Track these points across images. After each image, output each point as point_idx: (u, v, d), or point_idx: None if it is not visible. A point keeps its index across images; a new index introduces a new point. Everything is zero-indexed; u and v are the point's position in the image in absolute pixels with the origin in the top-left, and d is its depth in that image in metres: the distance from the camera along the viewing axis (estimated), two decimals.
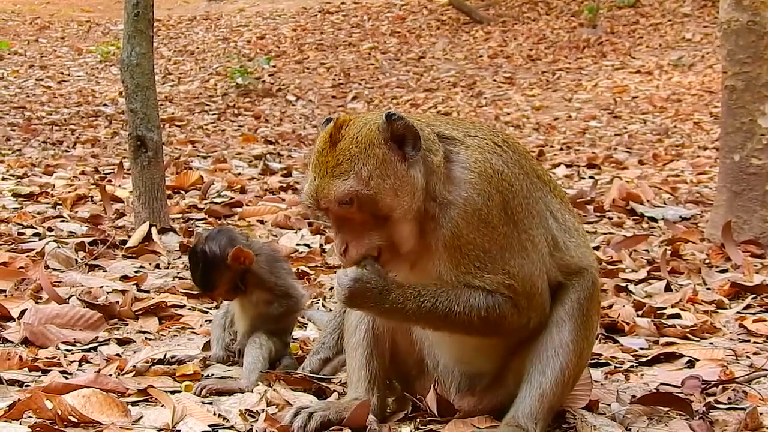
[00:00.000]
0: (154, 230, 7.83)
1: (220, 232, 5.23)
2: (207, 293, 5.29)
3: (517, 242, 4.07)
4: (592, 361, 5.31)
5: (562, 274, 4.28)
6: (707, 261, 8.02)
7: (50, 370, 5.00)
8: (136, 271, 7.14)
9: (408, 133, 3.97)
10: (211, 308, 6.32)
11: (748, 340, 5.93)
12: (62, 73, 25.24)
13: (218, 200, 10.07)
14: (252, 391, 4.72)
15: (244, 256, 5.06)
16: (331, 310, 6.27)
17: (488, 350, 4.31)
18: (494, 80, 23.96)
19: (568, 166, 14.00)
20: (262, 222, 9.13)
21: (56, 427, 4.16)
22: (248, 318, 5.17)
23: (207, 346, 5.40)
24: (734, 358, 5.54)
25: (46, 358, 5.22)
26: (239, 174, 12.57)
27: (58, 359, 5.20)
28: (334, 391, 4.78)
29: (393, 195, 3.93)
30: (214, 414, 4.43)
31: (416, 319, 4.08)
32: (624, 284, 7.15)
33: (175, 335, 5.85)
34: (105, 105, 21.36)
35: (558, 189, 4.45)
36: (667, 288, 7.09)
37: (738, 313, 6.54)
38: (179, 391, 4.73)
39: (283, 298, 5.11)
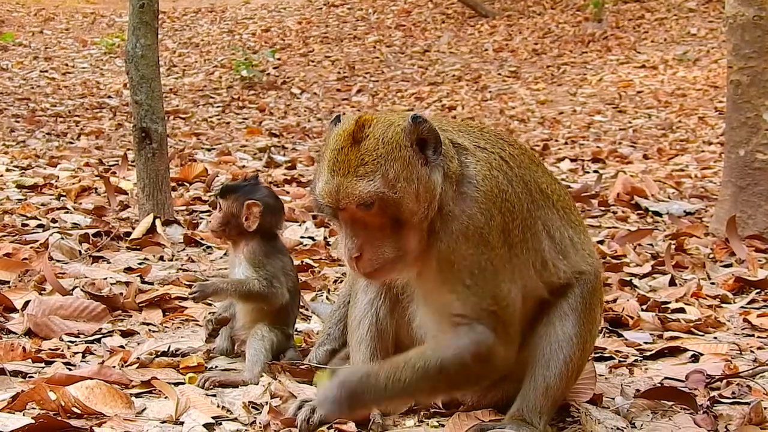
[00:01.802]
0: (158, 222, 7.83)
1: (269, 190, 5.39)
2: (216, 198, 5.32)
3: (509, 266, 4.03)
4: (597, 355, 5.31)
5: (549, 289, 4.26)
6: (712, 255, 8.01)
7: (54, 362, 5.00)
8: (140, 263, 7.13)
9: (431, 136, 3.91)
10: (215, 301, 6.31)
11: (752, 335, 5.92)
12: (67, 65, 25.24)
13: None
14: (256, 384, 4.72)
15: (250, 214, 5.09)
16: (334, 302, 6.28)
17: None
18: (499, 74, 23.93)
19: (572, 161, 13.98)
20: None
21: (59, 418, 4.15)
22: (248, 309, 5.16)
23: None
24: (738, 352, 5.53)
25: (50, 349, 5.22)
26: (244, 166, 12.56)
27: (62, 351, 5.21)
28: None
29: (415, 200, 3.86)
30: (218, 406, 4.44)
31: (416, 386, 3.99)
32: (628, 278, 7.14)
33: (178, 327, 5.85)
34: (109, 97, 21.36)
35: (562, 200, 4.38)
36: (672, 282, 7.08)
37: (742, 307, 6.54)
38: (183, 383, 4.74)
39: (266, 280, 5.06)
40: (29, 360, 5.01)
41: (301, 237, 8.26)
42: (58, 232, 7.65)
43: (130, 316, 5.96)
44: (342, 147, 3.89)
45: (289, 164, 12.84)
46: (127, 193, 9.66)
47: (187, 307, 6.12)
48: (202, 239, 7.85)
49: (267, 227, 5.16)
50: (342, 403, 3.91)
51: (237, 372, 4.91)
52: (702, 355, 5.42)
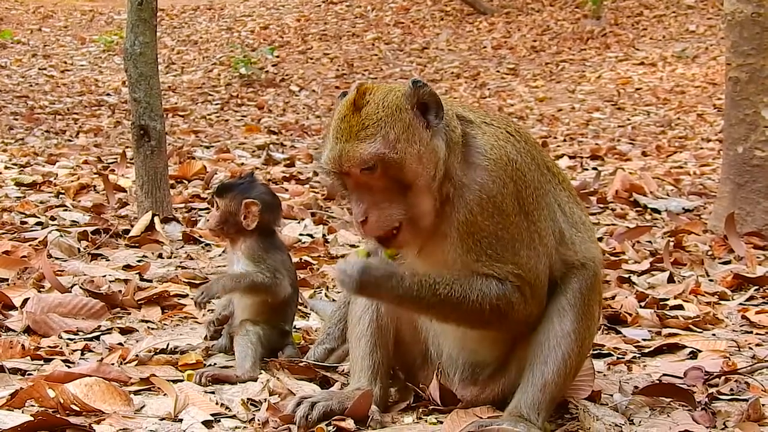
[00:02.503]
0: (156, 220, 7.83)
1: (266, 187, 5.38)
2: (213, 197, 5.33)
3: (527, 233, 4.07)
4: (595, 352, 5.32)
5: (565, 267, 4.28)
6: (710, 252, 8.01)
7: (52, 359, 5.01)
8: (138, 261, 7.14)
9: (432, 101, 3.98)
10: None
11: (751, 332, 5.92)
12: (65, 63, 25.23)
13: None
14: (247, 379, 4.72)
15: (249, 213, 5.10)
16: (334, 300, 6.28)
17: (492, 340, 4.31)
18: (498, 71, 23.93)
19: (571, 158, 13.98)
20: None
21: (58, 415, 4.15)
22: (245, 306, 5.15)
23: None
24: (737, 349, 5.54)
25: (49, 346, 5.23)
26: (242, 164, 12.57)
27: (61, 348, 5.21)
28: (338, 380, 4.78)
29: (418, 161, 3.91)
30: (217, 403, 4.44)
31: (428, 307, 4.06)
32: (627, 275, 7.14)
33: (177, 324, 5.86)
34: (108, 94, 21.36)
35: (567, 181, 4.45)
36: (670, 279, 7.08)
37: (741, 304, 6.54)
38: (182, 381, 4.74)
39: (269, 272, 5.07)
40: (28, 357, 5.02)
41: (300, 234, 8.27)
42: (56, 230, 7.65)
43: (129, 314, 5.96)
44: (345, 115, 3.98)
45: (288, 161, 12.84)
46: (125, 191, 9.66)
47: (185, 305, 6.13)
48: (200, 237, 7.86)
49: (265, 224, 5.16)
50: (357, 282, 3.92)
51: (233, 368, 4.91)
52: (700, 351, 5.42)
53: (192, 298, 5.31)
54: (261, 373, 4.76)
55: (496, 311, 4.06)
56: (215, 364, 5.05)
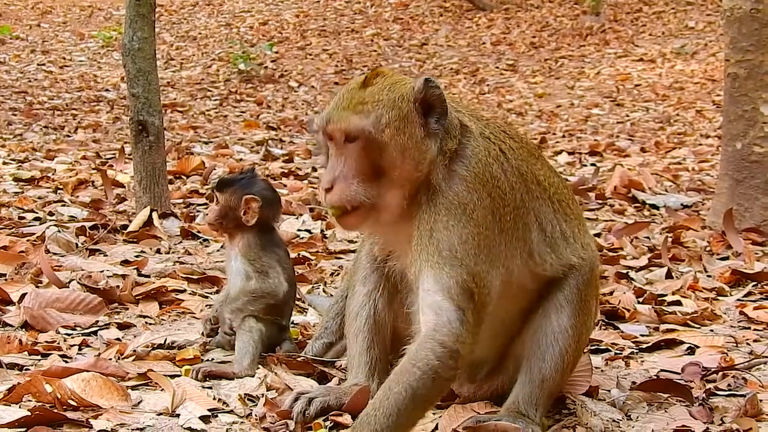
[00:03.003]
0: (155, 215, 7.82)
1: (267, 182, 5.35)
2: (213, 191, 5.34)
3: (495, 250, 3.98)
4: (593, 348, 5.32)
5: (535, 281, 4.25)
6: (708, 248, 8.01)
7: (50, 354, 5.00)
8: (136, 256, 7.13)
9: (437, 104, 3.97)
10: (212, 293, 6.32)
11: (749, 328, 5.93)
12: (64, 58, 25.22)
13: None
14: (244, 376, 4.72)
15: (249, 208, 5.10)
16: (331, 296, 6.28)
17: (489, 336, 4.29)
18: (497, 67, 23.93)
19: (570, 154, 13.98)
20: None
21: (56, 410, 4.15)
22: (237, 290, 5.14)
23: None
24: (734, 345, 5.54)
25: (46, 342, 5.22)
26: (241, 159, 12.57)
27: (58, 343, 5.21)
28: (335, 376, 4.78)
29: (400, 153, 3.91)
30: (214, 398, 4.44)
31: (396, 422, 3.77)
32: (625, 271, 7.14)
33: (175, 320, 5.85)
34: (107, 90, 21.35)
35: (559, 192, 4.37)
36: (668, 275, 7.09)
37: (738, 300, 6.55)
38: (179, 376, 4.73)
39: (261, 274, 5.07)
40: (25, 352, 5.01)
41: (298, 230, 8.27)
42: (54, 225, 7.64)
43: (127, 309, 5.96)
44: (352, 87, 4.03)
45: (287, 157, 12.85)
46: (124, 186, 9.66)
47: (183, 300, 6.13)
48: (199, 232, 7.85)
49: (264, 220, 5.16)
50: None
51: (230, 364, 4.91)
52: (698, 347, 5.42)
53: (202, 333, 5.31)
54: (258, 368, 4.76)
55: (444, 361, 3.80)
56: (213, 359, 5.04)
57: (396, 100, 3.94)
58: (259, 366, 4.81)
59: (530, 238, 4.18)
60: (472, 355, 4.09)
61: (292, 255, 5.94)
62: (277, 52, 25.33)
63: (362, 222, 4.01)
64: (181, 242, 7.67)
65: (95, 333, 5.47)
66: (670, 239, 8.04)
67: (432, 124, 3.95)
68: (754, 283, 6.88)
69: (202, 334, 5.28)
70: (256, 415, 4.25)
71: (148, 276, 6.61)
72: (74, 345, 5.20)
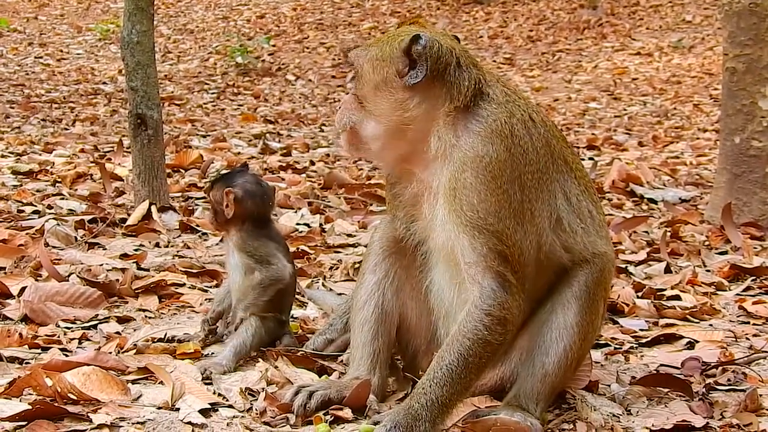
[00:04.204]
0: (153, 208, 7.82)
1: (254, 176, 5.35)
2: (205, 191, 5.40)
3: (518, 206, 4.02)
4: None
5: (568, 256, 4.26)
6: (707, 243, 8.02)
7: (50, 348, 5.01)
8: (135, 250, 7.13)
9: (421, 61, 4.07)
10: (211, 287, 6.32)
11: (748, 322, 5.94)
12: (61, 51, 25.20)
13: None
14: (226, 372, 4.71)
15: (228, 202, 5.14)
16: (331, 290, 6.28)
17: None
18: (494, 61, 23.92)
19: None
20: None
21: (56, 404, 4.16)
22: (240, 289, 5.14)
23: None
24: (734, 339, 5.55)
25: (46, 335, 5.23)
26: (239, 153, 12.55)
27: (58, 337, 5.21)
28: (336, 370, 4.78)
29: (373, 89, 4.17)
30: (214, 393, 4.44)
31: (452, 391, 3.95)
32: (624, 265, 7.14)
33: (174, 314, 5.85)
34: (104, 83, 21.32)
35: (585, 177, 4.41)
36: (667, 269, 7.09)
37: (737, 295, 6.55)
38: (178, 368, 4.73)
39: (262, 264, 5.07)
40: (26, 346, 5.02)
41: (297, 224, 8.25)
42: (53, 219, 7.64)
43: (126, 303, 5.96)
44: (386, 31, 4.35)
45: (285, 151, 12.83)
46: (122, 180, 9.65)
47: (183, 294, 6.12)
48: (197, 226, 7.85)
49: (251, 213, 5.16)
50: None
51: (215, 355, 4.90)
52: (697, 342, 5.43)
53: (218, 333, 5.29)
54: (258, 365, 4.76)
55: (493, 327, 3.97)
56: (213, 353, 5.04)
57: (388, 45, 4.19)
58: (260, 359, 4.81)
59: (555, 204, 4.21)
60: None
61: (291, 249, 5.93)
62: (274, 45, 25.31)
63: (351, 143, 4.28)
64: (179, 236, 7.66)
65: (95, 326, 5.47)
66: (668, 234, 8.04)
67: (410, 76, 4.08)
68: (753, 277, 6.89)
69: (204, 337, 5.23)
70: (256, 409, 4.26)
71: (147, 270, 6.61)
72: (74, 338, 5.20)
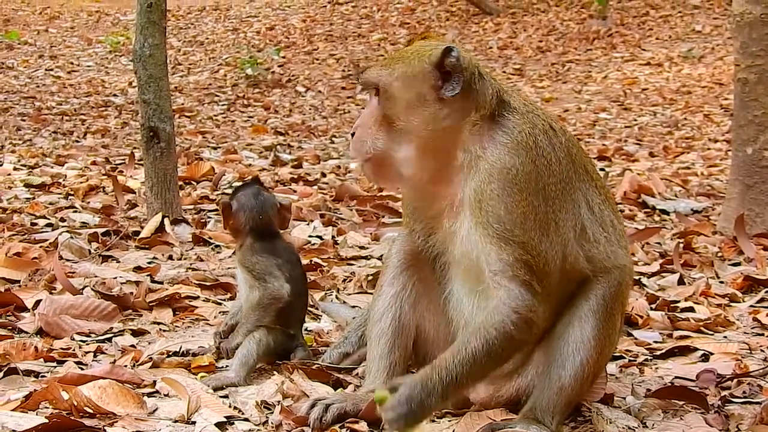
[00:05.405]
0: (166, 221, 7.83)
1: (256, 189, 5.31)
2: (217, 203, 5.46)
3: (543, 217, 4.06)
4: None
5: (590, 266, 4.27)
6: (720, 254, 8.00)
7: (65, 361, 5.01)
8: (149, 262, 7.14)
9: (455, 73, 4.08)
10: (225, 299, 6.33)
11: (762, 334, 5.92)
12: (72, 63, 25.27)
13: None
14: (239, 385, 4.71)
15: (226, 215, 5.20)
16: (344, 302, 6.29)
17: None
18: (504, 72, 23.92)
19: None
20: None
21: (72, 417, 4.17)
22: (246, 304, 5.15)
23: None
24: (748, 351, 5.53)
25: (62, 348, 5.23)
26: (250, 165, 12.58)
27: (74, 350, 5.22)
28: (351, 383, 4.77)
29: (405, 108, 4.11)
30: (230, 406, 4.45)
31: (471, 375, 4.00)
32: (637, 277, 7.11)
33: (189, 326, 5.85)
34: (115, 95, 21.38)
35: (604, 188, 4.44)
36: (680, 281, 7.08)
37: (751, 306, 6.53)
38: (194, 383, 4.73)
39: (259, 281, 5.05)
40: (41, 359, 5.02)
41: (309, 236, 8.25)
42: (67, 231, 7.66)
43: (141, 316, 5.97)
44: (398, 48, 4.33)
45: (296, 163, 12.85)
46: (134, 192, 9.67)
47: (197, 307, 6.13)
48: (210, 238, 7.86)
49: (250, 227, 5.15)
50: (415, 416, 3.87)
51: (225, 370, 4.91)
52: (712, 354, 5.41)
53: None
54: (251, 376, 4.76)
55: (519, 325, 4.01)
56: (227, 366, 5.03)
57: (415, 60, 4.15)
58: (275, 373, 4.82)
59: (579, 213, 4.24)
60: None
61: (304, 262, 5.91)
62: (284, 57, 25.36)
63: (378, 171, 4.23)
64: (192, 248, 7.67)
65: (110, 340, 5.48)
66: (681, 245, 8.03)
67: (446, 89, 4.09)
68: (767, 289, 6.87)
69: (216, 350, 5.23)
70: (272, 423, 4.26)
71: (161, 282, 6.61)
72: (89, 352, 5.21)
